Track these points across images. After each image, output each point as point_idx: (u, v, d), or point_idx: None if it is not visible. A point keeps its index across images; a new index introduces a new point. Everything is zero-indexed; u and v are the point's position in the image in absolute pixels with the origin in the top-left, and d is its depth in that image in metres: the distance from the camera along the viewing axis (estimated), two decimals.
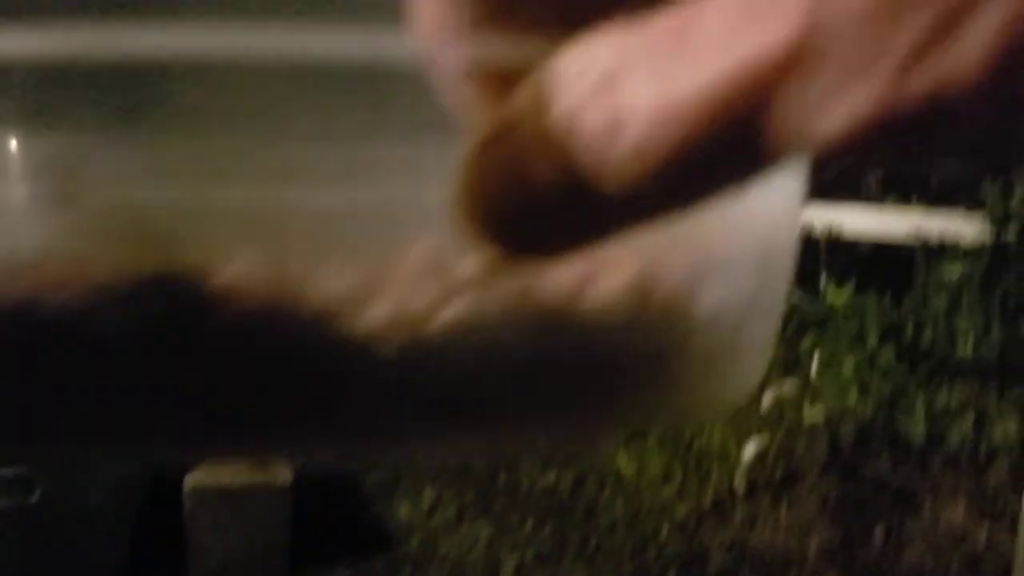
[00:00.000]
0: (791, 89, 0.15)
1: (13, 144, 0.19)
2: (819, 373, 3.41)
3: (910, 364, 3.23)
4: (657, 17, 0.16)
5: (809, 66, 0.14)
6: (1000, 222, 3.35)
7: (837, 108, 0.15)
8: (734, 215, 0.21)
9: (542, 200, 0.17)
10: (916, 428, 3.06)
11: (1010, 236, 3.33)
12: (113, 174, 0.19)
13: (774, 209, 0.23)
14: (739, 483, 3.23)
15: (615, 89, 0.16)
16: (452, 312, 0.20)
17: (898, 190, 3.84)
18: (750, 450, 3.27)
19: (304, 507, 2.62)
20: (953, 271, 3.35)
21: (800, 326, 3.58)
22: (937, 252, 3.52)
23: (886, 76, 0.14)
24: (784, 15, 0.14)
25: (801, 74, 0.15)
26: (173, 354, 0.19)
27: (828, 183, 4.09)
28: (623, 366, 0.21)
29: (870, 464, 3.06)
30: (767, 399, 3.39)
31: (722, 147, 0.15)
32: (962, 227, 3.50)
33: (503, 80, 0.18)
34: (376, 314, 0.19)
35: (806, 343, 3.52)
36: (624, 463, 3.32)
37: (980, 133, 0.14)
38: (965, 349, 3.15)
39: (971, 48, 0.14)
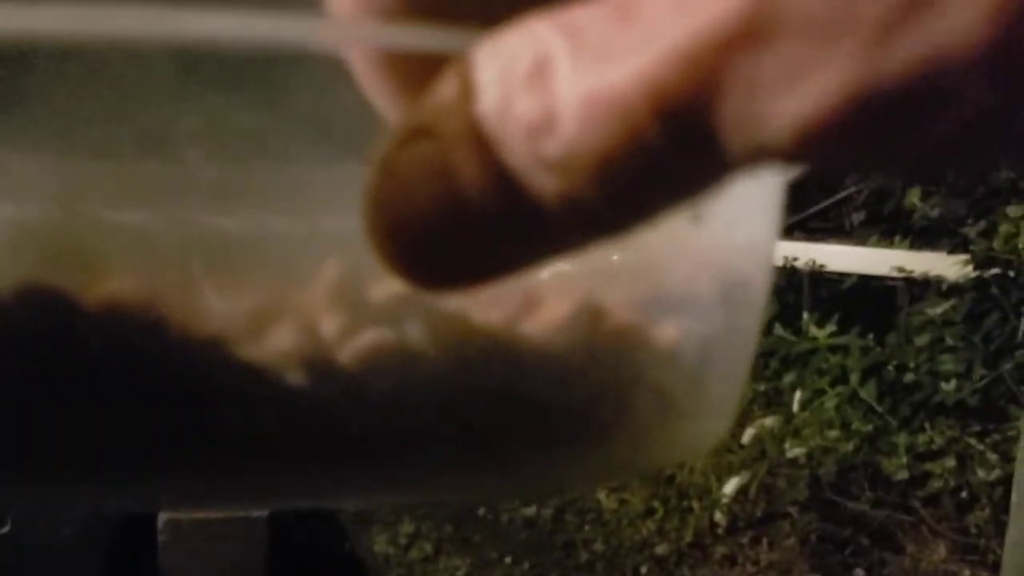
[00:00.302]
0: (744, 67, 0.12)
1: None
2: (801, 410, 3.39)
3: (892, 403, 3.21)
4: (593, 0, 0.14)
5: (764, 40, 0.12)
6: (983, 262, 3.35)
7: (800, 91, 0.12)
8: (694, 245, 0.19)
9: (467, 211, 0.14)
10: (898, 467, 3.03)
11: (992, 276, 3.32)
12: None
13: (742, 240, 0.21)
14: (720, 520, 3.20)
15: (547, 78, 0.13)
16: (366, 339, 0.17)
17: (881, 231, 3.85)
18: (731, 486, 3.24)
19: (280, 540, 2.57)
20: (936, 310, 3.33)
21: (783, 362, 3.56)
22: (920, 291, 3.51)
23: (857, 51, 0.12)
24: None
25: (755, 49, 0.12)
26: (42, 378, 0.16)
27: (811, 219, 4.08)
28: (571, 400, 0.19)
29: (851, 503, 3.04)
30: (748, 435, 3.36)
31: (669, 141, 0.13)
32: (945, 267, 3.49)
33: (423, 69, 0.15)
34: (278, 340, 0.17)
35: (788, 379, 3.50)
36: (604, 498, 3.29)
37: (980, 123, 0.12)
38: (948, 389, 3.13)
39: (964, 10, 0.12)
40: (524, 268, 0.15)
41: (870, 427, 3.17)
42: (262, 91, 0.16)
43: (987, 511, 3.01)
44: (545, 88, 0.13)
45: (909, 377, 3.24)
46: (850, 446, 3.13)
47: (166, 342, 0.16)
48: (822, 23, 0.12)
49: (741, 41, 0.12)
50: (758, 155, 0.13)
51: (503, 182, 0.14)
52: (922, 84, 0.12)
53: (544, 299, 0.18)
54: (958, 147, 0.12)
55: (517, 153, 0.14)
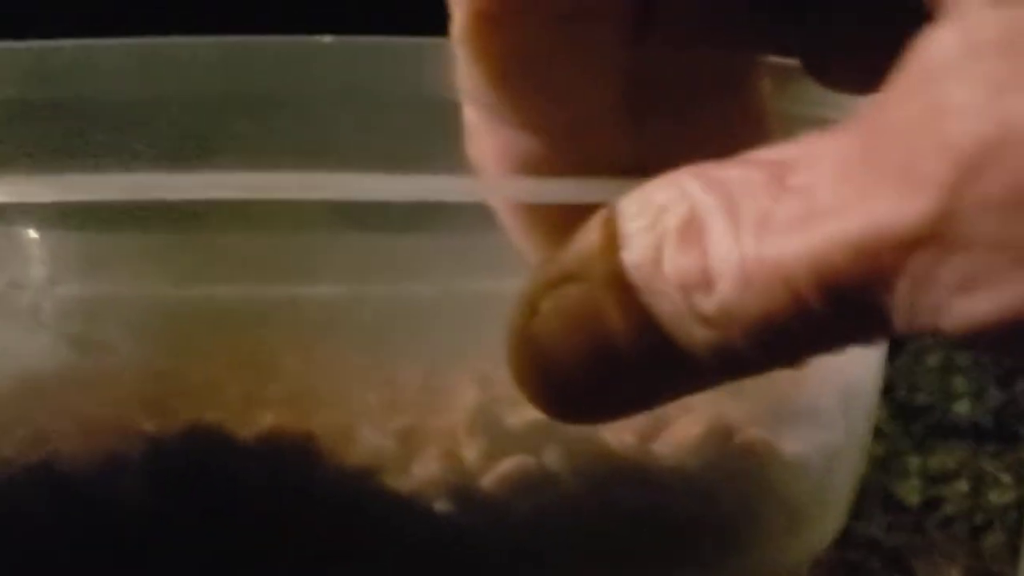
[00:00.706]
0: (920, 266, 0.12)
1: (33, 236, 0.18)
2: None
3: (904, 424, 3.20)
4: (743, 157, 0.14)
5: (944, 247, 0.12)
6: None
7: (975, 298, 0.12)
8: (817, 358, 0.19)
9: (611, 353, 0.14)
10: (911, 490, 3.02)
11: None
12: (137, 273, 0.17)
13: (859, 349, 0.21)
14: None
15: (702, 237, 0.14)
16: (507, 465, 0.18)
17: None
18: None
19: None
20: None
21: None
22: None
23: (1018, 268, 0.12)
24: (921, 187, 0.12)
25: (933, 254, 0.12)
26: (201, 513, 0.17)
27: None
28: (705, 518, 0.19)
29: (864, 526, 3.01)
30: None
31: (832, 313, 0.13)
32: None
33: (563, 215, 0.16)
34: (425, 468, 0.17)
35: None
36: None
37: None
38: (960, 410, 3.12)
39: None
40: (665, 403, 0.15)
41: (882, 450, 3.15)
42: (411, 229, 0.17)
43: (1001, 534, 2.98)
44: (700, 247, 0.14)
45: (921, 399, 3.23)
46: (863, 469, 3.11)
47: (320, 473, 0.17)
48: (1003, 243, 0.12)
49: (921, 244, 0.12)
50: (924, 333, 0.13)
51: (650, 329, 0.14)
52: None
53: (674, 419, 0.19)
54: None
55: (668, 304, 0.14)
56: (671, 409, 0.19)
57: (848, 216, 0.13)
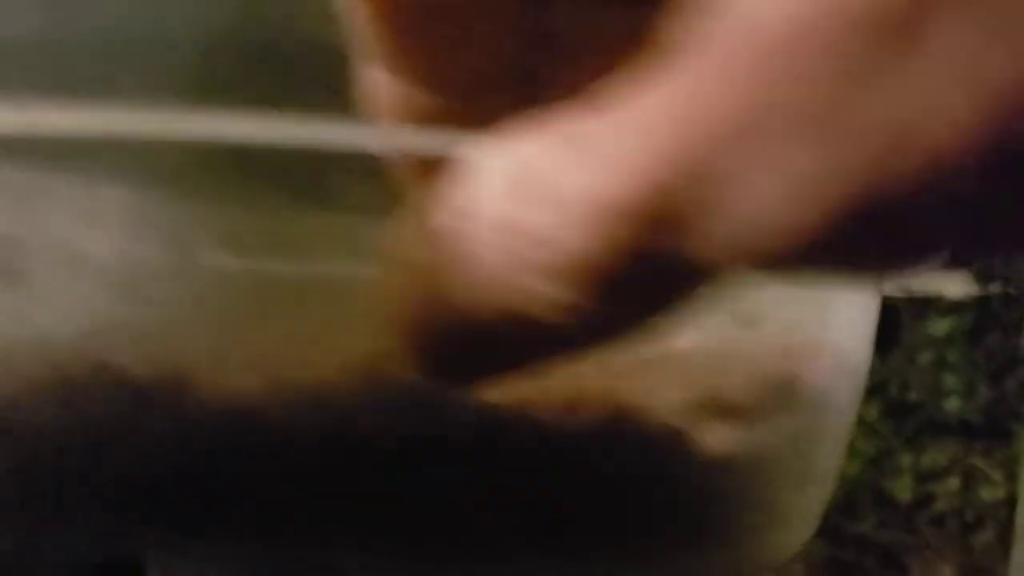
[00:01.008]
0: (727, 165, 0.12)
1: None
2: None
3: (896, 422, 3.20)
4: (584, 109, 0.14)
5: (746, 137, 0.12)
6: (985, 277, 3.36)
7: (785, 190, 0.12)
8: (747, 348, 0.18)
9: (459, 316, 0.14)
10: (902, 487, 3.02)
11: (995, 292, 3.32)
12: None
13: (838, 332, 0.20)
14: None
15: (535, 191, 0.14)
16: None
17: None
18: None
19: None
20: (939, 327, 3.34)
21: None
22: (923, 308, 3.52)
23: (847, 150, 0.11)
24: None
25: (737, 148, 0.12)
26: (113, 452, 0.17)
27: None
28: (654, 502, 0.18)
29: (856, 524, 3.02)
30: None
31: (651, 255, 0.13)
32: (947, 283, 3.50)
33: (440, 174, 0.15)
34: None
35: None
36: None
37: (979, 221, 0.12)
38: (951, 407, 3.13)
39: (950, 113, 0.11)
40: (532, 367, 0.16)
41: (874, 448, 3.16)
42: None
43: (992, 531, 2.99)
44: (535, 202, 0.14)
45: (912, 396, 3.23)
46: (854, 467, 3.12)
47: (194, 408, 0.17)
48: (808, 123, 0.12)
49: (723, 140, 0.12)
50: (759, 250, 0.13)
51: (494, 287, 0.14)
52: (922, 185, 0.12)
53: (583, 398, 0.18)
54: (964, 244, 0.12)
55: (508, 261, 0.14)
56: (583, 390, 0.18)
57: (643, 148, 0.13)
